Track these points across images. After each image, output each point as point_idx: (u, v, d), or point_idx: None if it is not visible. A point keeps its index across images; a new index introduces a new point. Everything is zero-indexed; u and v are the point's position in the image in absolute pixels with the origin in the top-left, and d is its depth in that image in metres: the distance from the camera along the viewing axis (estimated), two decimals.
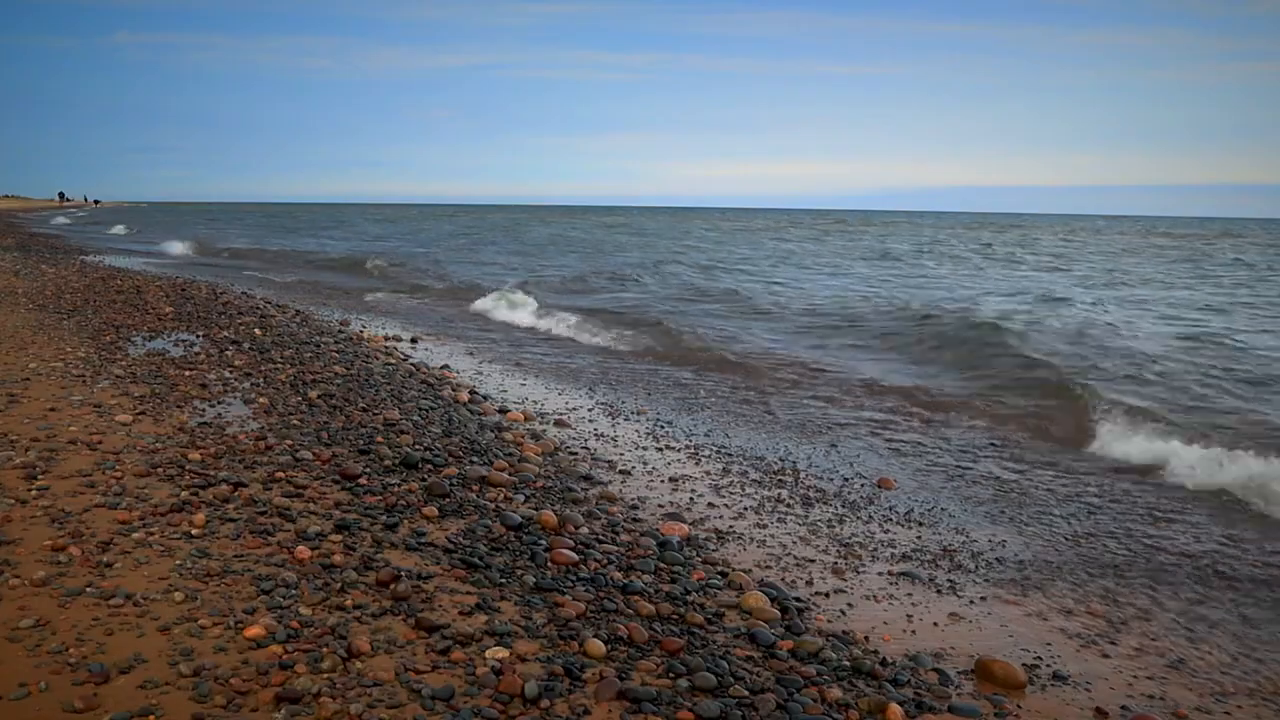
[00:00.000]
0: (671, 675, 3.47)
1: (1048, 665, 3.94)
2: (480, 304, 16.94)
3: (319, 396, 7.57)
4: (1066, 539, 5.52)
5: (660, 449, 7.16)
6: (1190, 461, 6.95)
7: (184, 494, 4.90)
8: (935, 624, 4.30)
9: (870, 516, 5.80)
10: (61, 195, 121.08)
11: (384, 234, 49.60)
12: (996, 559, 5.16)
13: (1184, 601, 4.69)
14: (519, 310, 15.94)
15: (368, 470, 5.63)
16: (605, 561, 4.57)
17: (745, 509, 5.79)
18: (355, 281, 22.23)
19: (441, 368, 10.00)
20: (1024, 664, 3.92)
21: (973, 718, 3.46)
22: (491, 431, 7.09)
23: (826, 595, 4.55)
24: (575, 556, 4.52)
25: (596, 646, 3.59)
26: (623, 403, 8.82)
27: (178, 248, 32.19)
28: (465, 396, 8.30)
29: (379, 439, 6.36)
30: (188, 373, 8.21)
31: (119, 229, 49.65)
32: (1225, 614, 4.57)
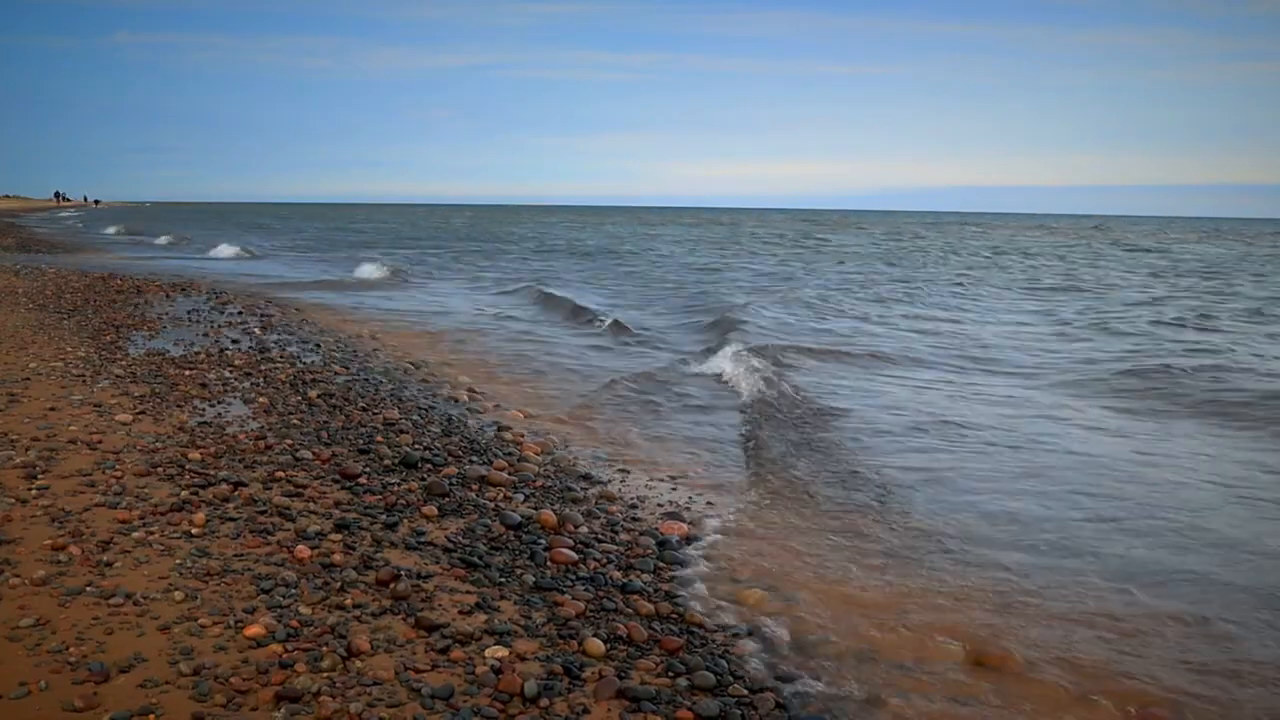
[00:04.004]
0: (671, 674, 3.48)
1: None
2: None
3: (319, 396, 7.58)
4: None
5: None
6: None
7: (184, 493, 4.90)
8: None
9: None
10: (59, 195, 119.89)
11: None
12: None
13: None
14: None
15: (367, 470, 5.64)
16: (605, 561, 4.58)
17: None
18: None
19: (441, 365, 9.99)
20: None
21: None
22: (491, 430, 7.10)
23: None
24: (575, 556, 4.53)
25: (596, 645, 3.59)
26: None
27: None
28: (465, 396, 8.31)
29: (379, 438, 6.36)
30: (188, 372, 8.21)
31: None
32: None
